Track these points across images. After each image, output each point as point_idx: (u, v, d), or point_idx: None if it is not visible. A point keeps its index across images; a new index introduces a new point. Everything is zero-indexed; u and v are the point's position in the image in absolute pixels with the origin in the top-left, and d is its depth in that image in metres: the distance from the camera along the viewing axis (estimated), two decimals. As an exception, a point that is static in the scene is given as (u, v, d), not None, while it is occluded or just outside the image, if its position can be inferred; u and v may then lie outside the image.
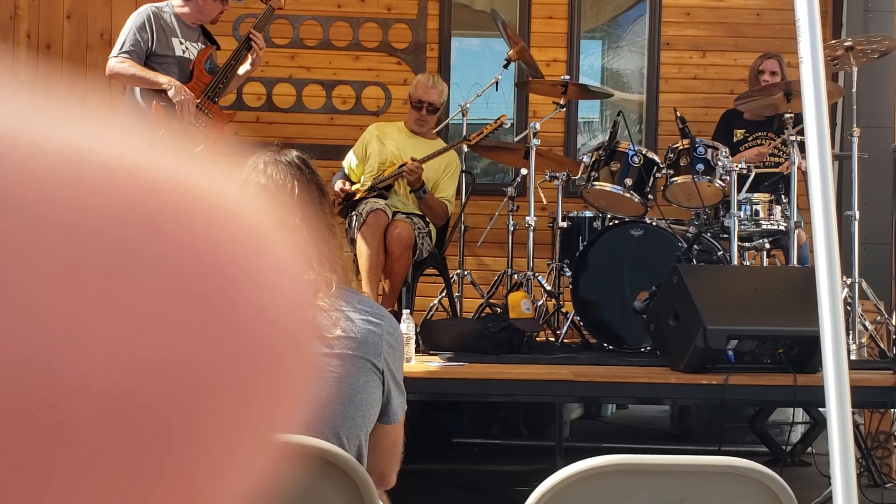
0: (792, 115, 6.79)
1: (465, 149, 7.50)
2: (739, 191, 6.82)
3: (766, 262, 7.27)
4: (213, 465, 0.38)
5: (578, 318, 6.96)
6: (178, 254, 0.36)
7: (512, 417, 8.24)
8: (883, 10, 9.12)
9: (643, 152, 7.10)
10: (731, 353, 5.64)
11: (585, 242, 7.10)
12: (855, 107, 7.14)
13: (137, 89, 6.58)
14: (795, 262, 6.77)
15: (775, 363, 5.74)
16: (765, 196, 6.95)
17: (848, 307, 6.64)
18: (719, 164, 6.84)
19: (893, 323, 6.93)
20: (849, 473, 2.65)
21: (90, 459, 0.35)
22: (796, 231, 6.79)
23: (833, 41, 7.49)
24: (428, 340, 6.40)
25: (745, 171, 6.88)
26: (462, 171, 7.63)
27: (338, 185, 7.24)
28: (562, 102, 7.53)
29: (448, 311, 7.49)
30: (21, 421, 0.33)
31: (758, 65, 8.05)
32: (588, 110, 10.10)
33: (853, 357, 6.38)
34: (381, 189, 7.16)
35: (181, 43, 6.73)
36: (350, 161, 7.48)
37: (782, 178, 7.14)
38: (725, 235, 6.87)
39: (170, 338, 0.36)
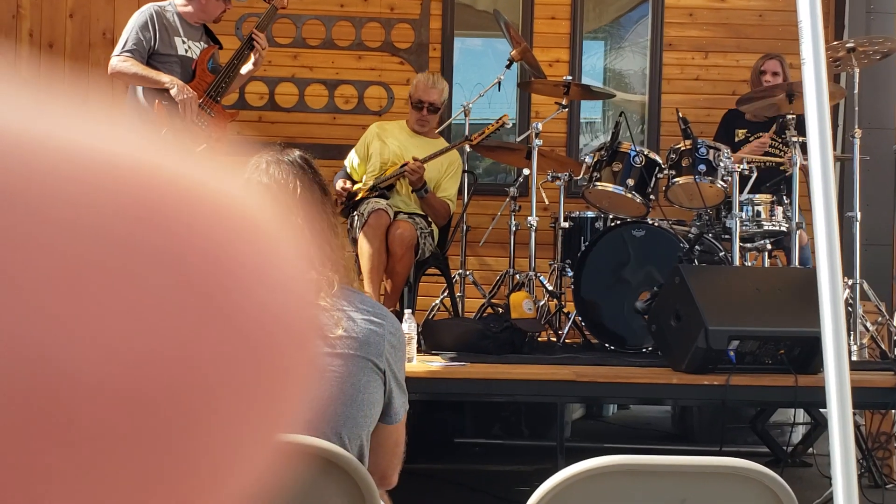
0: (794, 116, 6.79)
1: (468, 149, 7.50)
2: (741, 191, 6.82)
3: (767, 262, 7.27)
4: (214, 463, 0.38)
5: (580, 319, 6.96)
6: (181, 251, 0.37)
7: (513, 417, 8.24)
8: (885, 11, 9.11)
9: (645, 153, 7.11)
10: (732, 353, 5.64)
11: (587, 243, 7.10)
12: (857, 108, 7.15)
13: (139, 88, 6.58)
14: (797, 263, 6.76)
15: (776, 364, 5.74)
16: (766, 197, 6.95)
17: (849, 308, 6.64)
18: (721, 164, 6.84)
19: (894, 324, 6.93)
20: (850, 474, 2.65)
21: (92, 456, 0.35)
22: (798, 232, 6.78)
23: (835, 42, 7.49)
24: (430, 340, 6.39)
25: (746, 172, 6.88)
26: (464, 172, 7.63)
27: (339, 184, 7.23)
28: (564, 103, 7.52)
29: (450, 310, 7.49)
30: (23, 417, 0.34)
31: (759, 65, 8.05)
32: (590, 111, 10.10)
33: (854, 358, 6.38)
34: (383, 189, 7.15)
35: (184, 42, 6.73)
36: (352, 160, 7.48)
37: (784, 179, 7.14)
38: (727, 236, 6.87)
39: (172, 334, 0.36)
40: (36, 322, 0.34)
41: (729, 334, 5.62)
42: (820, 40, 2.81)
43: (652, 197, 7.08)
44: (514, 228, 7.55)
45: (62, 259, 0.34)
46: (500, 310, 6.79)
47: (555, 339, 6.98)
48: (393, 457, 2.92)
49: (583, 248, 7.06)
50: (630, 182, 6.99)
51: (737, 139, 7.93)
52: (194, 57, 6.75)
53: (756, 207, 6.92)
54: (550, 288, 7.22)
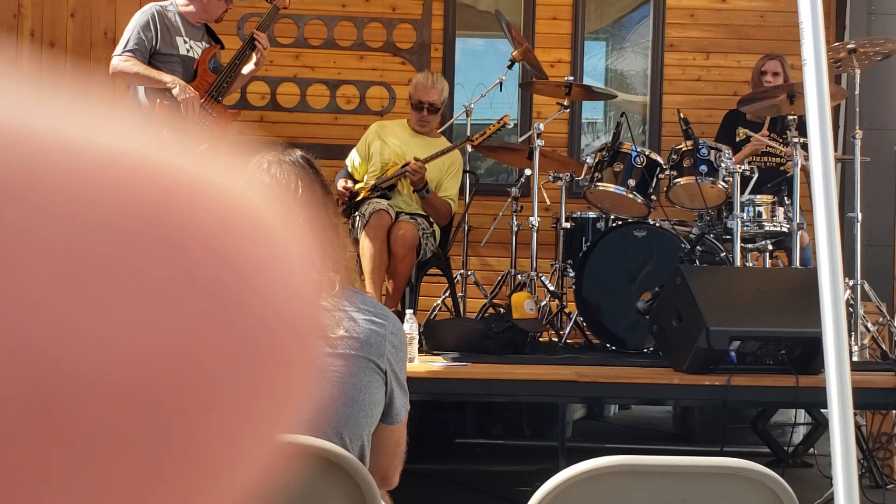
0: (795, 116, 6.79)
1: (469, 149, 7.50)
2: (742, 192, 6.82)
3: (768, 263, 7.27)
4: (215, 461, 0.38)
5: (581, 319, 6.96)
6: (185, 246, 0.37)
7: (515, 418, 8.24)
8: (886, 12, 9.11)
9: (646, 153, 7.11)
10: (733, 354, 5.64)
11: (588, 243, 7.10)
12: (857, 109, 7.15)
13: (140, 88, 6.58)
14: (798, 264, 6.76)
15: (777, 364, 5.74)
16: (768, 198, 6.95)
17: (850, 309, 6.64)
18: (722, 165, 6.84)
19: (895, 324, 6.93)
20: (850, 474, 2.65)
21: (93, 454, 0.35)
22: (799, 232, 6.78)
23: (836, 43, 7.50)
24: (431, 340, 6.39)
25: (748, 173, 6.88)
26: (466, 172, 7.63)
27: (340, 184, 7.23)
28: (565, 103, 7.52)
29: (451, 311, 7.48)
30: (25, 414, 0.34)
31: (760, 66, 8.05)
32: (592, 111, 10.10)
33: (855, 358, 6.38)
34: (384, 189, 7.15)
35: (185, 42, 6.73)
36: (353, 159, 7.48)
37: (785, 180, 7.15)
38: (728, 237, 6.87)
39: (175, 330, 0.36)
40: (37, 318, 0.34)
41: (730, 335, 5.62)
42: (821, 41, 2.81)
43: (653, 197, 7.08)
44: (515, 229, 7.55)
45: (64, 254, 0.34)
46: (502, 310, 6.80)
47: (556, 340, 6.98)
48: (394, 457, 2.92)
49: (584, 249, 7.06)
50: (631, 182, 6.99)
51: (738, 139, 7.92)
52: (196, 57, 6.75)
53: (757, 208, 6.92)
54: (552, 288, 7.22)
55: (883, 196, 8.49)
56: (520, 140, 8.34)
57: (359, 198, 7.14)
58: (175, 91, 6.44)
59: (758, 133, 7.74)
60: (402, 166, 7.07)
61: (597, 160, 7.12)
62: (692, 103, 9.21)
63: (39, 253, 0.34)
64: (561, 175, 7.38)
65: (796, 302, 5.75)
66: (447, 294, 7.54)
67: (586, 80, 9.52)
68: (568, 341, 6.95)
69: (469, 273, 7.69)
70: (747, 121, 7.90)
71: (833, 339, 2.70)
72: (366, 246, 6.71)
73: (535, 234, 7.13)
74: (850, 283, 6.75)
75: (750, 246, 7.14)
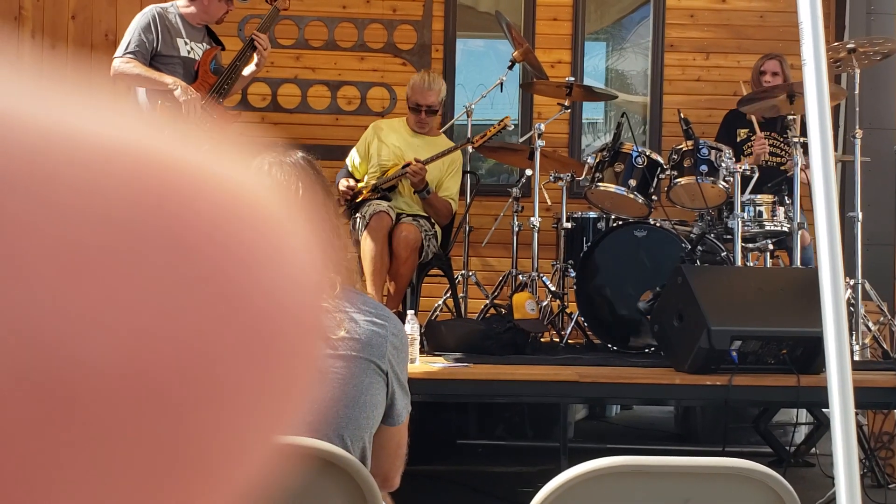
0: (795, 116, 6.79)
1: (470, 150, 7.50)
2: (743, 192, 6.82)
3: (769, 263, 7.27)
4: (218, 455, 0.38)
5: (583, 319, 6.96)
6: (186, 237, 0.37)
7: (516, 418, 8.24)
8: (885, 12, 9.11)
9: (647, 153, 7.11)
10: (734, 353, 5.64)
11: (590, 243, 7.10)
12: (857, 109, 7.15)
13: (141, 90, 6.58)
14: (799, 264, 6.76)
15: (779, 364, 5.74)
16: (768, 197, 6.95)
17: (851, 308, 6.64)
18: (723, 165, 6.84)
19: (896, 324, 6.94)
20: (852, 474, 2.66)
21: (98, 445, 0.35)
22: (800, 232, 6.77)
23: (836, 43, 7.49)
24: (432, 341, 6.39)
25: (748, 173, 6.88)
26: (467, 172, 7.63)
27: (343, 183, 7.23)
28: (566, 104, 7.52)
29: (452, 311, 7.48)
30: (28, 406, 0.34)
31: (759, 65, 8.05)
32: (592, 111, 10.10)
33: (856, 358, 6.38)
34: (385, 190, 7.15)
35: (186, 43, 6.73)
36: (353, 159, 7.48)
37: (786, 180, 7.15)
38: (729, 236, 6.87)
39: (176, 321, 0.36)
40: (38, 309, 0.34)
41: (731, 334, 5.62)
42: (821, 41, 2.82)
43: (654, 197, 7.08)
44: (516, 229, 7.55)
45: (66, 245, 0.34)
46: (503, 310, 6.80)
47: (557, 340, 6.97)
48: (395, 458, 2.92)
49: (585, 249, 7.06)
50: (632, 182, 6.99)
51: (738, 139, 7.93)
52: (197, 58, 6.75)
53: (758, 208, 6.92)
54: (553, 288, 7.22)
55: (883, 195, 8.49)
56: (521, 140, 8.34)
57: (360, 198, 7.13)
58: (176, 93, 6.44)
59: (752, 137, 7.75)
60: (403, 167, 7.07)
61: (597, 160, 7.12)
62: (692, 103, 9.21)
63: (41, 244, 0.34)
64: (562, 175, 7.38)
65: (797, 301, 5.75)
66: (448, 295, 7.54)
67: (587, 81, 9.52)
68: (569, 341, 6.95)
69: (470, 273, 7.69)
70: (747, 121, 7.90)
71: (834, 338, 2.70)
72: (366, 248, 6.70)
73: (536, 235, 7.13)
74: (851, 282, 6.75)
75: (751, 245, 7.14)
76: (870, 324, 6.80)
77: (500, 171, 9.82)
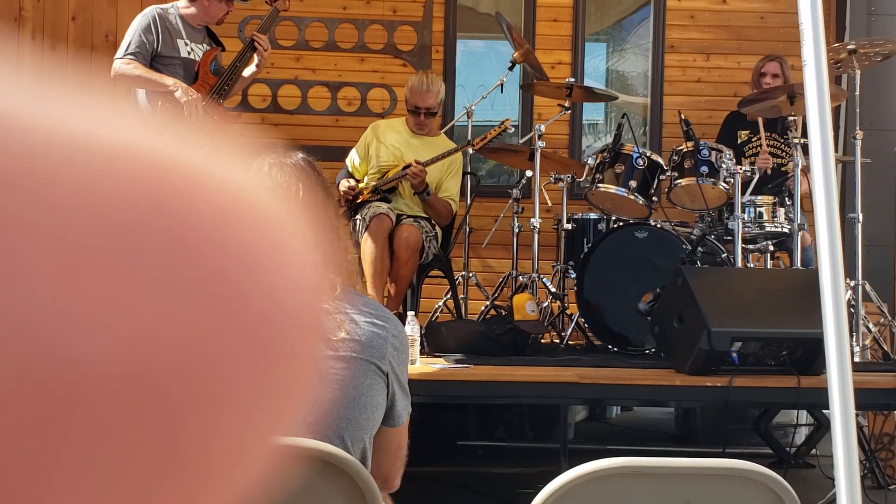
0: (795, 117, 6.79)
1: (470, 151, 7.49)
2: (743, 193, 6.82)
3: (769, 264, 7.27)
4: (217, 452, 0.38)
5: (583, 320, 6.96)
6: (186, 238, 0.37)
7: (517, 419, 8.24)
8: (886, 13, 9.11)
9: (647, 154, 7.11)
10: (734, 355, 5.64)
11: (590, 244, 7.10)
12: (858, 110, 7.15)
13: (141, 91, 6.58)
14: (799, 265, 6.76)
15: (779, 365, 5.74)
16: (768, 198, 6.95)
17: (851, 309, 6.64)
18: (723, 166, 6.84)
19: (897, 325, 6.95)
20: (852, 475, 2.65)
21: (95, 445, 0.35)
22: (800, 233, 6.77)
23: (836, 44, 7.50)
24: (432, 342, 6.39)
25: (749, 174, 6.88)
26: (467, 174, 7.63)
27: (344, 183, 7.22)
28: (566, 105, 7.52)
29: (453, 313, 7.49)
30: (27, 406, 0.34)
31: (760, 67, 8.04)
32: (593, 112, 10.10)
33: (856, 359, 6.37)
34: (385, 192, 7.15)
35: (186, 44, 6.73)
36: (353, 159, 7.47)
37: (786, 181, 7.15)
38: (729, 238, 6.87)
39: (176, 321, 0.36)
40: (38, 309, 0.34)
41: (731, 336, 5.62)
42: (821, 42, 2.81)
43: (654, 198, 7.09)
44: (516, 230, 7.55)
45: (66, 246, 0.35)
46: (503, 312, 6.80)
47: (558, 341, 6.97)
48: (396, 460, 2.92)
49: (585, 250, 7.06)
50: (632, 184, 6.99)
51: (739, 141, 7.93)
52: (197, 59, 6.75)
53: (758, 209, 6.92)
54: (553, 290, 7.22)
55: (883, 197, 8.49)
56: (521, 141, 8.33)
57: (360, 199, 7.13)
58: (177, 94, 6.44)
59: (755, 137, 7.75)
60: (403, 168, 7.06)
61: (598, 161, 7.12)
62: (693, 104, 9.21)
63: (41, 244, 0.34)
64: (562, 176, 7.38)
65: (798, 303, 5.75)
66: (448, 296, 7.54)
67: (587, 82, 9.52)
68: (569, 343, 6.95)
69: (470, 275, 7.69)
70: (748, 122, 7.91)
71: (834, 339, 2.70)
72: (367, 250, 6.70)
73: (536, 236, 7.13)
74: (852, 283, 6.75)
75: (751, 247, 7.14)
76: (870, 325, 6.80)
77: (500, 172, 9.81)
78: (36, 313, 0.34)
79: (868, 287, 6.89)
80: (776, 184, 7.20)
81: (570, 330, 6.96)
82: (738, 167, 6.80)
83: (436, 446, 7.59)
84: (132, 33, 6.60)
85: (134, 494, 0.36)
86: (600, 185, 7.04)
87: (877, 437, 6.82)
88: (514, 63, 7.73)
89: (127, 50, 6.55)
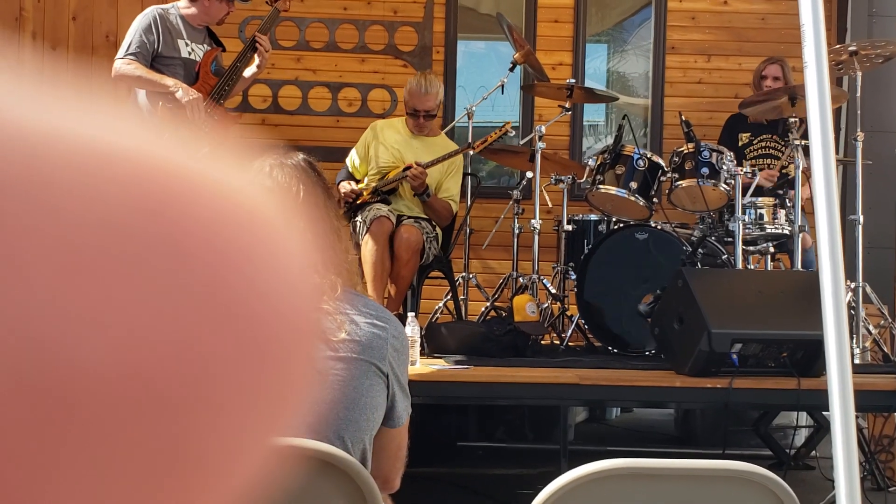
0: (797, 119, 6.79)
1: (471, 153, 7.49)
2: (744, 194, 6.82)
3: (770, 265, 7.27)
4: (214, 455, 0.38)
5: (583, 322, 6.96)
6: (183, 242, 0.37)
7: (517, 421, 8.24)
8: (887, 15, 9.11)
9: (648, 156, 7.11)
10: (735, 356, 5.64)
11: (590, 246, 7.10)
12: (859, 111, 7.15)
13: (141, 92, 6.58)
14: (800, 266, 6.76)
15: (779, 367, 5.74)
16: (769, 200, 6.95)
17: (852, 311, 6.64)
18: (724, 167, 6.84)
19: (897, 327, 6.95)
20: (852, 477, 2.65)
21: (94, 448, 0.35)
22: (801, 235, 6.77)
23: (837, 46, 7.50)
24: (433, 343, 6.39)
25: (749, 176, 6.88)
26: (467, 175, 7.63)
27: (343, 186, 7.22)
28: (567, 106, 7.52)
29: (453, 314, 7.49)
30: (26, 408, 0.34)
31: (761, 70, 8.04)
32: (593, 114, 10.10)
33: (857, 361, 6.37)
34: (385, 193, 7.14)
35: (187, 45, 6.73)
36: (353, 159, 7.47)
37: (787, 182, 7.15)
38: (730, 239, 6.87)
39: (173, 325, 0.36)
40: (37, 313, 0.34)
41: (732, 337, 5.62)
42: (822, 44, 2.81)
43: (655, 200, 7.09)
44: (517, 231, 7.55)
45: (64, 250, 0.35)
46: (504, 313, 6.80)
47: (558, 343, 6.97)
48: (396, 460, 2.92)
49: (586, 251, 7.06)
50: (633, 185, 6.99)
51: (740, 143, 7.93)
52: (197, 59, 6.75)
53: (759, 210, 6.92)
54: (553, 291, 7.22)
55: (884, 198, 8.48)
56: (521, 143, 8.34)
57: (360, 200, 7.13)
58: (178, 94, 6.44)
59: (754, 141, 7.77)
60: (404, 169, 7.06)
61: (598, 163, 7.12)
62: (693, 106, 9.21)
63: (39, 248, 0.34)
64: (562, 177, 7.39)
65: (798, 304, 5.75)
66: (449, 297, 7.55)
67: (588, 83, 9.52)
68: (570, 344, 6.95)
69: (471, 276, 7.70)
70: (749, 124, 7.91)
71: (835, 341, 2.70)
72: (367, 253, 6.69)
73: (536, 237, 7.13)
74: (852, 285, 6.75)
75: (752, 248, 7.14)
76: (870, 327, 6.80)
77: (500, 173, 9.82)
78: (35, 316, 0.34)
79: (868, 289, 6.89)
80: (777, 185, 7.20)
81: (570, 331, 6.97)
82: (739, 169, 6.80)
83: (436, 447, 7.59)
84: (133, 33, 6.60)
85: (133, 495, 0.36)
86: (601, 186, 7.04)
87: (877, 439, 6.82)
88: (514, 64, 7.73)
89: (128, 50, 6.55)
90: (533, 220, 7.14)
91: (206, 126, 6.46)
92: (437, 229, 7.20)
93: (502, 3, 9.61)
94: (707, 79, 9.68)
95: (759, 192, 7.02)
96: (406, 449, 2.94)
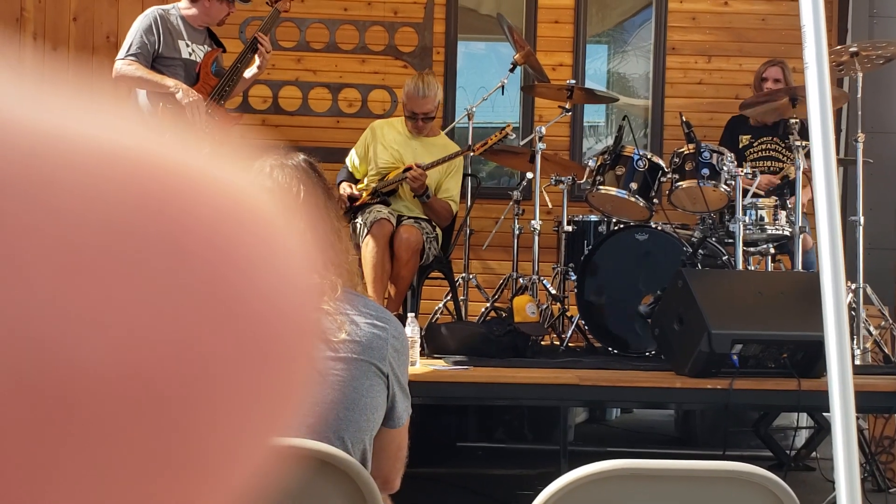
0: (797, 120, 6.78)
1: (471, 155, 7.49)
2: (745, 195, 6.82)
3: (770, 266, 7.27)
4: (215, 456, 0.38)
5: (583, 322, 6.96)
6: (184, 241, 0.37)
7: (516, 421, 8.24)
8: (888, 15, 9.11)
9: (648, 157, 7.11)
10: (735, 357, 5.64)
11: (590, 246, 7.10)
12: (860, 112, 7.14)
13: (142, 92, 6.58)
14: (800, 267, 6.76)
15: (779, 368, 5.74)
16: (770, 201, 6.95)
17: (852, 312, 6.64)
18: (724, 168, 6.84)
19: (898, 328, 6.94)
20: (853, 478, 2.65)
21: (94, 447, 0.35)
22: (802, 236, 6.77)
23: (838, 47, 7.49)
24: (433, 344, 6.39)
25: (750, 177, 6.88)
26: (467, 175, 7.63)
27: (343, 187, 7.21)
28: (567, 106, 7.52)
29: (453, 314, 7.49)
30: (27, 407, 0.34)
31: (762, 72, 8.03)
32: (594, 114, 10.09)
33: (857, 362, 6.37)
34: (384, 194, 7.14)
35: (187, 45, 6.73)
36: (353, 159, 7.47)
37: (787, 184, 7.14)
38: (730, 240, 6.87)
39: (174, 324, 0.36)
40: (38, 312, 0.34)
41: (732, 338, 5.62)
42: (823, 44, 2.81)
43: (655, 201, 7.09)
44: (517, 232, 7.55)
45: (65, 249, 0.35)
46: (504, 313, 6.80)
47: (558, 343, 6.97)
48: (396, 461, 2.92)
49: (586, 252, 7.06)
50: (633, 186, 6.99)
51: (741, 145, 7.93)
52: (198, 60, 6.75)
53: (759, 211, 6.92)
54: (553, 291, 7.22)
55: (885, 199, 8.48)
56: (521, 143, 8.34)
57: (359, 201, 7.12)
58: (178, 95, 6.44)
59: (755, 143, 7.77)
60: (404, 170, 7.06)
61: (598, 163, 7.12)
62: (694, 106, 9.21)
63: (40, 247, 0.34)
64: (563, 178, 7.39)
65: (798, 305, 5.75)
66: (449, 297, 7.55)
67: (588, 84, 9.52)
68: (570, 345, 6.96)
69: (471, 276, 7.70)
70: (750, 126, 7.91)
71: (835, 342, 2.70)
72: (368, 255, 6.69)
73: (536, 238, 7.13)
74: (853, 286, 6.74)
75: (752, 249, 7.14)
76: (871, 328, 6.80)
77: (500, 174, 9.82)
78: (35, 315, 0.34)
79: (869, 290, 6.89)
80: (778, 186, 7.20)
81: (570, 332, 6.97)
82: (740, 170, 6.80)
83: (435, 448, 7.59)
84: (133, 34, 6.60)
85: (133, 495, 0.36)
86: (601, 187, 7.04)
87: (877, 440, 6.82)
88: (515, 65, 7.73)
89: (128, 51, 6.55)
90: (533, 221, 7.14)
91: (206, 127, 6.46)
92: (437, 230, 7.20)
93: (503, 4, 9.61)
94: (707, 79, 9.68)
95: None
96: (406, 449, 2.94)
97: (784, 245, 7.15)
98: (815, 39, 2.80)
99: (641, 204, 6.99)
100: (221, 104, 6.72)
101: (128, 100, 6.63)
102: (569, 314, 7.15)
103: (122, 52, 6.60)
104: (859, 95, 7.12)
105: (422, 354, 6.03)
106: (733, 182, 6.79)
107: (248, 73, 6.87)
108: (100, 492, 0.35)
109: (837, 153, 7.42)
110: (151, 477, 0.36)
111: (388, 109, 9.45)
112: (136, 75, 6.49)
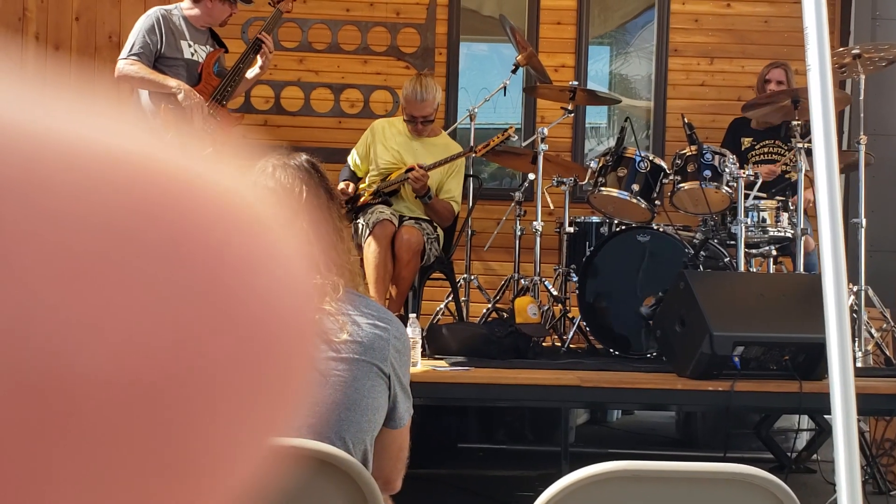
0: (800, 122, 6.78)
1: (473, 156, 7.48)
2: (746, 197, 6.82)
3: (772, 268, 7.27)
4: (213, 458, 0.38)
5: (585, 324, 6.96)
6: (182, 244, 0.37)
7: (517, 422, 8.24)
8: (891, 18, 9.11)
9: (650, 158, 7.11)
10: (736, 359, 5.64)
11: (592, 248, 7.10)
12: (862, 114, 7.14)
13: (144, 93, 6.58)
14: (802, 269, 6.76)
15: (781, 370, 5.74)
16: (772, 203, 6.95)
17: (854, 314, 6.63)
18: (726, 170, 6.84)
19: (900, 330, 6.94)
20: (854, 481, 2.65)
21: (93, 450, 0.35)
22: (803, 238, 6.77)
23: (841, 49, 7.48)
24: (434, 345, 6.40)
25: (752, 179, 6.88)
26: (469, 176, 7.63)
27: (341, 186, 7.21)
28: (569, 108, 7.52)
29: (454, 315, 7.49)
30: (26, 410, 0.34)
31: (764, 74, 8.04)
32: (596, 116, 10.09)
33: (859, 364, 6.37)
34: (386, 194, 7.14)
35: (190, 45, 6.73)
36: (354, 158, 7.47)
37: (789, 185, 7.14)
38: (732, 242, 6.87)
39: (172, 327, 0.36)
40: (35, 315, 0.34)
41: (733, 340, 5.62)
42: (825, 47, 2.81)
43: (657, 202, 7.08)
44: (519, 233, 7.55)
45: (62, 252, 0.34)
46: (505, 314, 6.80)
47: (559, 344, 6.97)
48: (397, 461, 2.92)
49: (588, 253, 7.06)
50: (635, 187, 6.99)
51: (743, 147, 7.93)
52: (200, 60, 6.76)
53: (761, 213, 6.92)
54: (555, 293, 7.22)
55: (887, 202, 8.48)
56: (524, 144, 8.34)
57: (361, 201, 7.12)
58: (180, 97, 6.44)
59: (757, 146, 7.77)
60: (406, 171, 7.06)
61: (600, 165, 7.12)
62: (696, 108, 9.21)
63: (37, 250, 0.34)
64: (564, 179, 7.39)
65: (800, 307, 5.75)
66: (450, 298, 7.55)
67: (590, 85, 9.51)
68: (571, 346, 6.95)
69: (472, 277, 7.70)
70: (752, 129, 7.91)
71: (837, 344, 2.70)
72: (370, 256, 6.69)
73: (538, 239, 7.14)
74: (854, 288, 6.74)
75: (754, 251, 7.14)
76: (872, 330, 6.80)
77: (502, 174, 9.82)
78: (32, 319, 0.34)
79: (871, 292, 6.89)
80: (779, 188, 7.20)
81: (571, 333, 6.96)
82: (742, 171, 6.80)
83: (436, 448, 7.59)
84: (136, 34, 6.61)
85: (132, 497, 0.36)
86: (603, 188, 7.04)
87: (878, 443, 6.81)
88: (517, 66, 7.73)
89: (131, 51, 6.56)
90: (535, 222, 7.14)
91: (207, 129, 6.46)
92: (439, 230, 7.19)
93: (505, 5, 9.61)
94: (710, 81, 9.68)
95: (762, 187, 7.00)
96: (407, 450, 2.94)
97: (786, 247, 7.15)
98: (818, 41, 2.80)
99: (643, 205, 7.00)
100: (223, 104, 6.72)
101: (130, 100, 6.64)
102: (570, 315, 7.14)
103: (124, 52, 6.60)
104: (861, 98, 7.12)
105: (423, 355, 6.03)
106: (735, 184, 6.79)
107: (251, 73, 6.87)
108: (100, 493, 0.35)
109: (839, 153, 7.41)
110: (150, 478, 0.36)
111: (390, 110, 9.45)
112: (138, 75, 6.50)
